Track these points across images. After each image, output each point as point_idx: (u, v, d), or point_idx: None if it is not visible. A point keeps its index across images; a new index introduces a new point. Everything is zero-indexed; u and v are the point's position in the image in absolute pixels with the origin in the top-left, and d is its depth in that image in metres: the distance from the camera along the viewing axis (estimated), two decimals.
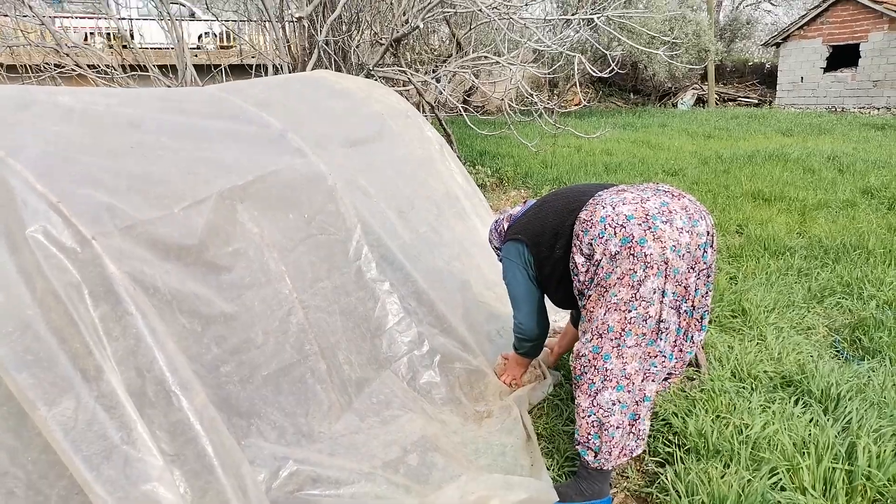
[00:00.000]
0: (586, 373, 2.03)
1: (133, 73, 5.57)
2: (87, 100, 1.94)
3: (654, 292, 1.94)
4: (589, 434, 2.03)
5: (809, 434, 2.27)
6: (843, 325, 3.43)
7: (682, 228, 1.95)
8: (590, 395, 2.01)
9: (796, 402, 2.55)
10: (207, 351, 1.83)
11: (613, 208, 2.00)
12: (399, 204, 2.89)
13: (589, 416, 2.02)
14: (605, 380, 1.99)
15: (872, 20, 17.16)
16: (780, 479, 2.06)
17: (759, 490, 1.95)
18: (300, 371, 2.00)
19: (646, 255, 1.91)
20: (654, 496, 2.11)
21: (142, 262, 1.68)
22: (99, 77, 5.04)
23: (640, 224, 1.94)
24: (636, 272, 1.93)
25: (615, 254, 1.95)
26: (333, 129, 2.73)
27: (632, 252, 1.92)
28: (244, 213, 1.92)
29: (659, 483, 2.14)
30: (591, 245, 2.02)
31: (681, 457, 2.22)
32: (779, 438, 2.21)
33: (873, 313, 3.42)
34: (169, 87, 4.96)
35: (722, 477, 2.03)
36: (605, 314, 1.99)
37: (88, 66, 5.46)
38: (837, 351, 3.16)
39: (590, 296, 2.05)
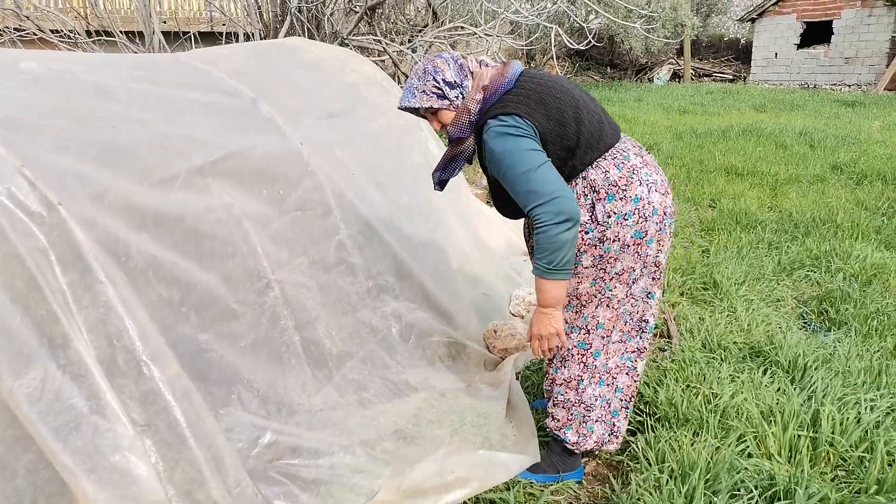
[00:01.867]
0: (571, 367, 2.01)
1: (98, 38, 5.40)
2: (53, 66, 1.88)
3: (644, 292, 1.95)
4: (569, 422, 2.05)
5: (776, 402, 2.33)
6: (811, 297, 3.51)
7: (672, 231, 1.97)
8: (578, 390, 2.02)
9: (764, 372, 2.62)
10: (185, 320, 1.81)
11: (648, 191, 1.86)
12: (377, 175, 2.86)
13: (573, 409, 2.03)
14: (592, 376, 2.00)
15: None
16: (748, 447, 2.12)
17: (726, 457, 2.00)
18: (277, 344, 1.98)
19: (646, 256, 1.89)
20: (626, 464, 2.15)
21: (114, 230, 1.65)
22: (62, 42, 4.88)
23: (657, 223, 1.88)
24: (635, 270, 1.90)
25: (626, 245, 1.86)
26: (309, 100, 2.68)
27: (638, 250, 1.87)
28: (217, 188, 1.89)
29: (630, 451, 2.18)
30: (609, 219, 1.85)
31: (651, 425, 2.27)
32: (747, 407, 2.27)
33: (840, 286, 3.51)
34: (136, 53, 4.81)
35: (691, 444, 2.08)
36: (596, 309, 1.96)
37: (51, 30, 5.28)
38: (805, 322, 3.24)
39: (581, 283, 1.94)
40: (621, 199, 1.85)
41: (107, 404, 1.45)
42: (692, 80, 20.77)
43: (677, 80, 20.84)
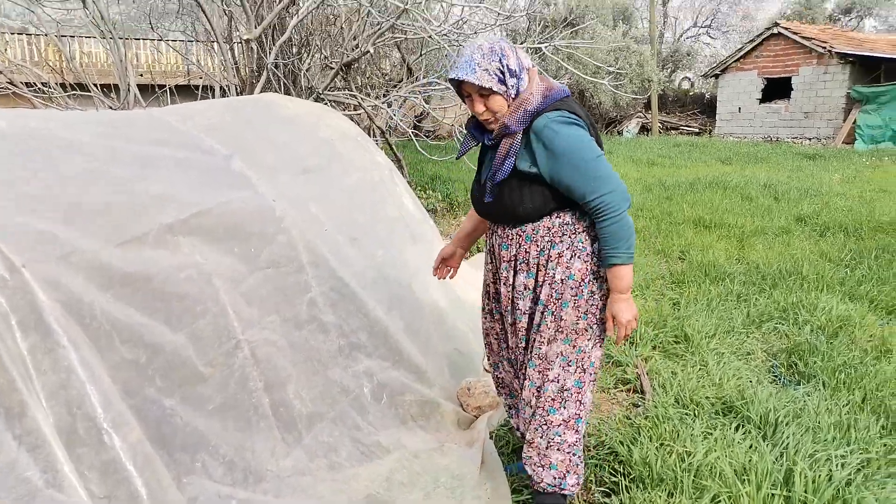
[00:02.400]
0: (569, 406, 2.01)
1: (73, 92, 5.40)
2: (24, 123, 1.87)
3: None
4: (568, 468, 2.03)
5: (749, 461, 2.32)
6: (780, 349, 3.55)
7: None
8: (577, 430, 2.03)
9: (737, 429, 2.62)
10: (150, 383, 1.76)
11: None
12: (351, 230, 2.87)
13: (572, 451, 2.03)
14: (584, 415, 2.05)
15: (803, 55, 18.11)
16: None
17: None
18: (246, 406, 1.94)
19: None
20: None
21: (79, 292, 1.62)
22: (36, 97, 4.87)
23: None
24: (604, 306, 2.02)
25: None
26: (284, 156, 2.69)
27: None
28: (188, 246, 1.87)
29: None
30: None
31: (626, 486, 2.24)
32: (720, 465, 2.26)
33: (808, 338, 3.56)
34: (111, 108, 4.82)
35: None
36: (591, 348, 2.01)
37: (25, 83, 5.27)
38: (775, 376, 3.27)
39: (580, 317, 1.98)
40: None
41: (64, 476, 1.39)
42: (660, 133, 21.38)
43: (646, 132, 21.44)
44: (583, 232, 1.98)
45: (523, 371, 2.10)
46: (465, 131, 2.14)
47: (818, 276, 4.68)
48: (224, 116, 2.65)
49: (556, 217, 1.98)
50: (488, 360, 2.39)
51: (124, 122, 2.16)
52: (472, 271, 4.11)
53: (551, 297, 1.99)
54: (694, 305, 4.18)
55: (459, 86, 1.93)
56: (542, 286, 2.00)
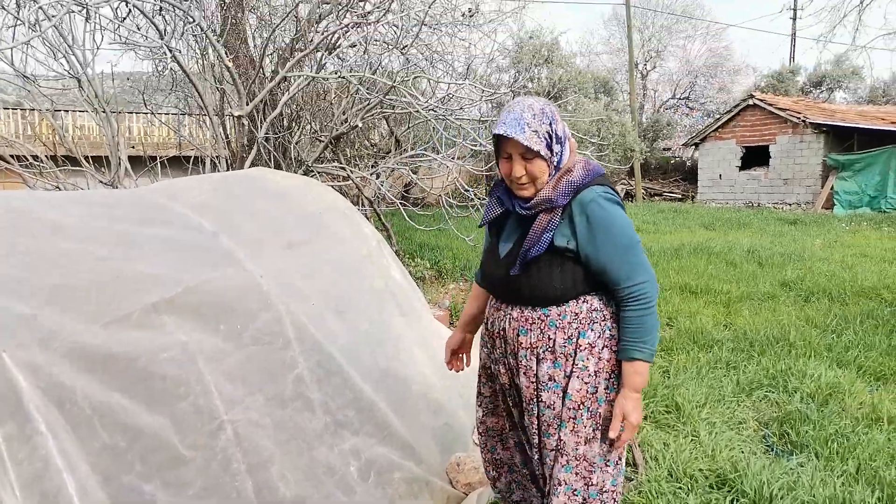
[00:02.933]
0: None
1: (64, 167, 5.45)
2: (9, 204, 1.88)
3: None
4: None
5: None
6: (772, 418, 3.52)
7: None
8: None
9: (731, 503, 2.57)
10: (130, 469, 1.71)
11: None
12: (338, 303, 2.86)
13: None
14: None
15: (778, 125, 18.73)
16: None
17: None
18: (228, 489, 1.88)
19: None
20: None
21: (60, 375, 1.59)
22: (27, 172, 4.91)
23: None
24: None
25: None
26: (271, 231, 2.72)
27: None
28: (172, 325, 1.86)
29: None
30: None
31: None
32: None
33: (798, 407, 3.54)
34: (102, 181, 4.86)
35: None
36: (609, 448, 1.92)
37: (15, 157, 5.32)
38: (768, 446, 3.23)
39: (611, 414, 1.88)
40: None
41: None
42: (644, 199, 21.79)
43: (630, 199, 21.84)
44: (611, 318, 1.88)
45: (549, 471, 1.94)
46: (491, 196, 2.00)
47: (805, 343, 4.69)
48: (212, 193, 2.68)
49: (584, 302, 1.87)
50: (479, 436, 2.32)
51: (111, 202, 2.18)
52: None
53: (586, 392, 1.86)
54: (684, 374, 4.17)
55: (499, 143, 1.82)
56: (570, 378, 1.86)
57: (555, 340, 1.87)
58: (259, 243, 2.53)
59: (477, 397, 2.26)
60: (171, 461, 1.77)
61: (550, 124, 1.80)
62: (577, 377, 1.86)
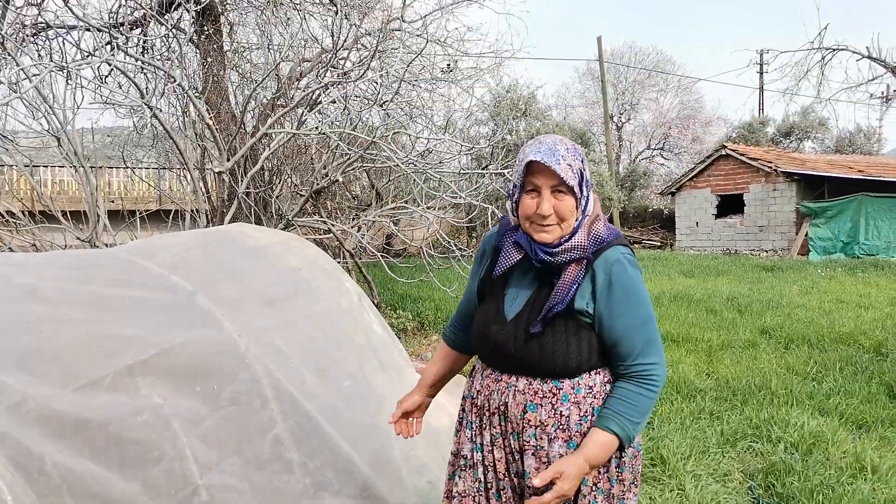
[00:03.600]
0: None
1: (41, 222, 5.41)
2: None
3: None
4: None
5: None
6: (757, 469, 3.50)
7: None
8: None
9: None
10: None
11: None
12: (318, 361, 2.83)
13: None
14: None
15: (751, 174, 19.21)
16: None
17: None
18: None
19: None
20: None
21: (29, 443, 1.55)
22: (2, 228, 4.87)
23: None
24: None
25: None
26: (250, 288, 2.70)
27: None
28: (147, 387, 1.83)
29: None
30: None
31: None
32: None
33: (783, 457, 3.52)
34: (79, 238, 4.83)
35: None
36: None
37: None
38: (754, 499, 3.20)
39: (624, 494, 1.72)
40: None
41: None
42: None
43: None
44: None
45: None
46: (504, 240, 1.75)
47: (787, 391, 4.71)
48: (190, 251, 2.67)
49: (596, 373, 1.68)
50: None
51: (86, 264, 2.17)
52: (443, 395, 4.05)
53: (598, 472, 1.67)
54: (667, 425, 4.14)
55: (527, 173, 1.61)
56: None
57: (569, 417, 1.65)
58: (238, 301, 2.51)
59: (445, 496, 1.89)
60: None
61: (582, 162, 1.64)
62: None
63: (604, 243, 1.65)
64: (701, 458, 3.60)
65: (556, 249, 1.63)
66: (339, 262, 5.67)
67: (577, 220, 1.64)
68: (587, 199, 1.67)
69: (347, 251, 7.10)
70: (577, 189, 1.61)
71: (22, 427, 1.53)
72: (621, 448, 1.64)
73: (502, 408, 1.72)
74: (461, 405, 1.91)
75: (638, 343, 1.61)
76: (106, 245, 4.76)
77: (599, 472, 1.67)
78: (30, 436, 1.54)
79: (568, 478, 1.55)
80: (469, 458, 1.82)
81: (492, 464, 1.76)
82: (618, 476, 1.70)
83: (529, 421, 1.67)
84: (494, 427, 1.75)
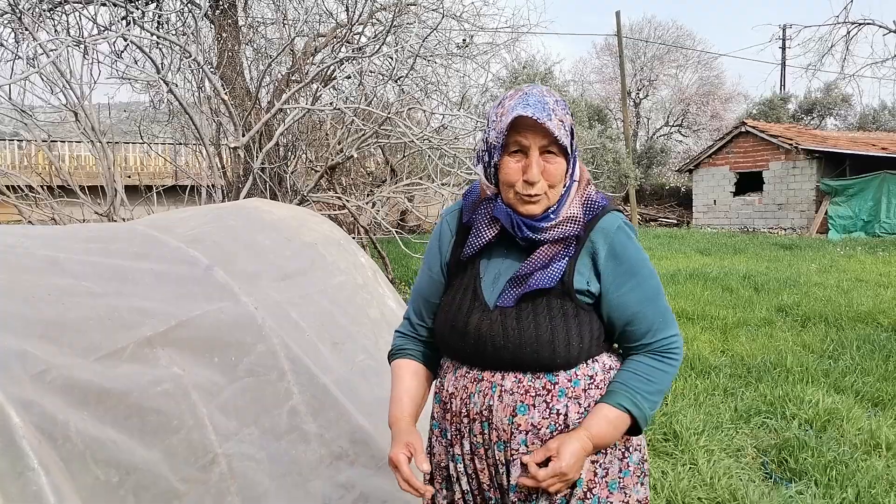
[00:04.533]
0: None
1: (60, 196, 5.48)
2: (3, 241, 1.89)
3: None
4: None
5: None
6: (770, 445, 3.50)
7: None
8: None
9: None
10: (122, 503, 1.70)
11: None
12: (333, 335, 2.86)
13: None
14: None
15: (771, 151, 18.94)
16: None
17: None
18: None
19: None
20: None
21: (53, 410, 1.58)
22: (22, 202, 4.93)
23: None
24: None
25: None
26: (266, 262, 2.72)
27: None
28: (166, 358, 1.86)
29: None
30: None
31: None
32: None
33: (796, 434, 3.52)
34: (98, 212, 4.88)
35: None
36: None
37: (10, 188, 5.35)
38: (766, 473, 3.21)
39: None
40: None
41: None
42: (639, 224, 21.89)
43: None
44: None
45: None
46: (476, 214, 1.48)
47: (803, 368, 4.69)
48: (207, 225, 2.70)
49: (594, 362, 1.46)
50: None
51: (106, 237, 2.19)
52: None
53: (593, 473, 1.44)
54: (681, 401, 4.15)
55: (511, 131, 1.34)
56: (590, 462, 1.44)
57: (566, 415, 1.41)
58: (254, 275, 2.54)
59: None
60: (164, 496, 1.75)
61: (570, 115, 1.39)
62: (594, 461, 1.44)
63: (599, 209, 1.42)
64: (714, 434, 3.61)
65: (545, 224, 1.38)
66: (353, 238, 5.69)
67: (565, 187, 1.40)
68: (574, 163, 1.42)
69: (362, 227, 7.12)
70: (569, 149, 1.36)
71: (46, 395, 1.56)
72: (632, 431, 1.43)
73: (486, 413, 1.44)
74: (431, 411, 1.65)
75: (655, 317, 1.42)
76: (123, 219, 4.82)
77: (595, 474, 1.44)
78: (54, 403, 1.58)
79: (566, 455, 1.33)
80: (451, 470, 1.55)
81: (474, 473, 1.51)
82: (619, 483, 1.46)
83: (519, 426, 1.41)
84: (475, 435, 1.48)
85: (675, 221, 22.61)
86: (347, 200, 6.50)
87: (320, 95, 6.76)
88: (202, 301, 2.11)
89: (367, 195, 8.04)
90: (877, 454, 3.29)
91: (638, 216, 22.07)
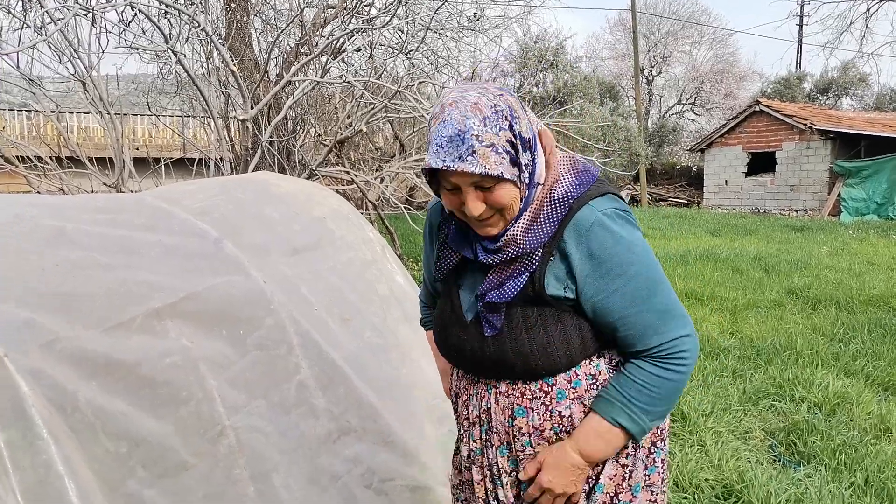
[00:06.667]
0: None
1: (69, 167, 5.47)
2: (11, 210, 1.87)
3: None
4: None
5: None
6: (778, 428, 3.49)
7: None
8: None
9: None
10: (132, 474, 1.70)
11: None
12: (342, 310, 2.84)
13: None
14: None
15: (785, 131, 18.69)
16: None
17: None
18: (230, 496, 1.87)
19: None
20: None
21: (63, 380, 1.58)
22: (31, 172, 4.92)
23: None
24: None
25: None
26: (275, 236, 2.70)
27: None
28: (175, 330, 1.84)
29: None
30: None
31: None
32: None
33: (805, 417, 3.50)
34: (106, 183, 4.87)
35: None
36: None
37: (20, 159, 5.34)
38: (774, 456, 3.20)
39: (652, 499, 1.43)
40: None
41: None
42: (649, 204, 21.75)
43: (635, 204, 21.80)
44: None
45: None
46: (440, 232, 1.45)
47: (813, 352, 4.66)
48: (215, 198, 2.67)
49: (599, 358, 1.34)
50: None
51: (114, 208, 2.17)
52: None
53: (621, 478, 1.36)
54: (689, 382, 4.13)
55: (435, 173, 1.22)
56: (599, 464, 1.35)
57: (571, 417, 1.33)
58: (263, 249, 2.52)
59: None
60: (173, 468, 1.76)
61: (511, 126, 1.17)
62: (611, 461, 1.35)
63: (572, 203, 1.24)
64: (722, 416, 3.60)
65: (496, 245, 1.27)
66: (361, 214, 5.66)
67: (523, 199, 1.24)
68: (532, 164, 1.23)
69: (370, 202, 7.08)
70: (509, 173, 1.18)
71: (55, 365, 1.56)
72: (631, 438, 1.31)
73: (484, 416, 1.42)
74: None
75: (650, 319, 1.24)
76: (131, 191, 4.80)
77: (622, 477, 1.36)
78: (63, 374, 1.57)
79: (550, 468, 1.29)
80: (461, 464, 1.61)
81: (470, 481, 1.52)
82: (645, 482, 1.39)
83: (520, 428, 1.36)
84: (474, 441, 1.47)
85: (686, 201, 22.44)
86: (356, 175, 6.46)
87: (329, 68, 6.68)
88: (211, 274, 2.09)
89: (376, 170, 7.99)
90: (886, 438, 3.27)
91: (648, 196, 21.91)
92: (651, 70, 32.06)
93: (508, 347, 1.31)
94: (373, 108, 6.02)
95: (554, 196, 1.25)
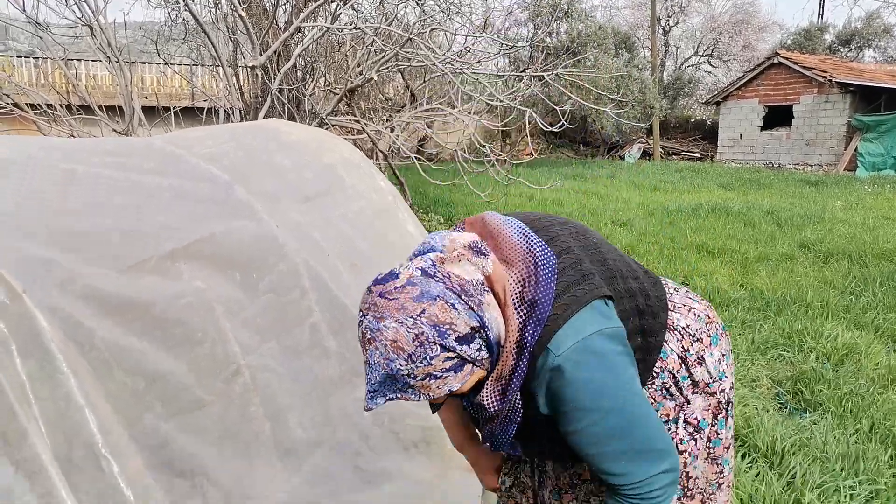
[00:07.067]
0: None
1: (78, 114, 5.44)
2: (25, 151, 1.88)
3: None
4: None
5: (756, 490, 2.29)
6: (786, 377, 3.52)
7: None
8: None
9: (743, 457, 2.58)
10: (150, 410, 1.74)
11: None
12: (354, 257, 2.86)
13: None
14: None
15: (803, 84, 18.27)
16: None
17: None
18: (245, 433, 1.92)
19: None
20: None
21: (79, 318, 1.61)
22: (41, 119, 4.91)
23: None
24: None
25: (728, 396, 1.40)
26: (286, 183, 2.70)
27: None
28: (188, 272, 1.86)
29: None
30: (714, 381, 1.35)
31: None
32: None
33: (813, 366, 3.53)
34: (116, 131, 4.85)
35: None
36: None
37: (30, 106, 5.32)
38: (781, 404, 3.23)
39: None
40: (714, 346, 1.36)
41: (62, 502, 1.37)
42: (662, 158, 21.48)
43: (648, 158, 21.55)
44: (688, 338, 1.34)
45: None
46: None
47: (823, 304, 4.66)
48: (226, 144, 2.66)
49: None
50: None
51: (126, 152, 2.17)
52: None
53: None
54: None
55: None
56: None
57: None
58: (274, 195, 2.52)
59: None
60: (189, 404, 1.80)
61: (444, 346, 1.04)
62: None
63: (528, 356, 1.12)
64: None
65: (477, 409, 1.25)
66: (372, 163, 5.62)
67: (489, 365, 1.16)
68: (480, 351, 1.10)
69: (381, 152, 7.04)
70: (456, 382, 1.08)
71: (72, 303, 1.58)
72: None
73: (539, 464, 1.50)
74: None
75: (616, 458, 1.15)
76: None
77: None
78: (80, 311, 1.60)
79: None
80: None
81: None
82: (710, 453, 1.42)
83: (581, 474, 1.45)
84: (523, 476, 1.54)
85: (699, 155, 22.14)
86: (366, 125, 6.40)
87: (339, 14, 6.56)
88: (223, 219, 2.10)
89: (387, 120, 7.91)
90: (893, 388, 3.29)
91: (661, 149, 21.63)
92: (668, 20, 31.19)
93: (537, 453, 1.37)
94: (383, 56, 5.92)
95: (516, 351, 1.13)
